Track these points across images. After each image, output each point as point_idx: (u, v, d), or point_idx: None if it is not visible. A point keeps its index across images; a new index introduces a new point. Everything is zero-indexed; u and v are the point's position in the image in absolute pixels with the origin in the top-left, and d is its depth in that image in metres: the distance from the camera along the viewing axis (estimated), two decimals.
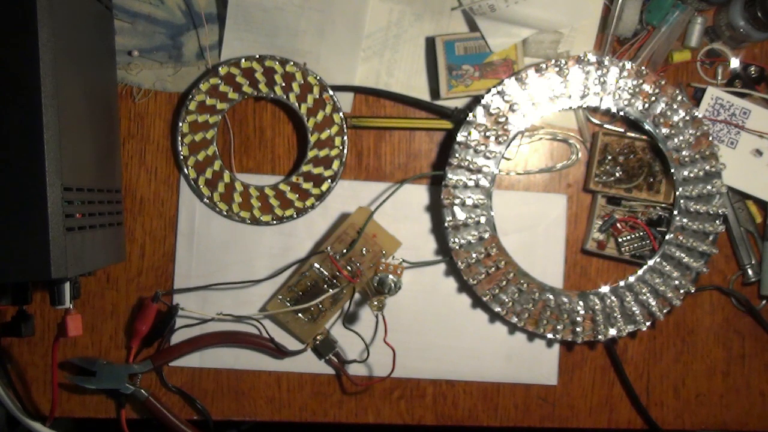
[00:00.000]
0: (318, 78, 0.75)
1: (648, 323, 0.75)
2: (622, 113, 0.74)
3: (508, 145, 0.74)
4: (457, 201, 0.74)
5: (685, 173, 0.74)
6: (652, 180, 0.77)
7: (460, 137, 0.74)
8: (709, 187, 0.74)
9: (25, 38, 0.55)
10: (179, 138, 0.76)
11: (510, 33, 0.74)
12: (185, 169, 0.76)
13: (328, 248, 0.75)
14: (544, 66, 0.73)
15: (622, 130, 0.77)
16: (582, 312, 0.75)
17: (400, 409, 0.79)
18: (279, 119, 0.78)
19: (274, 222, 0.77)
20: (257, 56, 0.75)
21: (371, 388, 0.79)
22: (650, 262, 0.75)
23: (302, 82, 0.75)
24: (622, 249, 0.77)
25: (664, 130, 0.74)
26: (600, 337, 0.75)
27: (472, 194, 0.74)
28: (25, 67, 0.55)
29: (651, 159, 0.77)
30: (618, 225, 0.77)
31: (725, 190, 0.74)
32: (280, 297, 0.76)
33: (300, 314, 0.76)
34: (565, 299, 0.76)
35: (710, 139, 0.74)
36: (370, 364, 0.78)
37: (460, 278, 0.77)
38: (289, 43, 0.76)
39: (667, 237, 0.75)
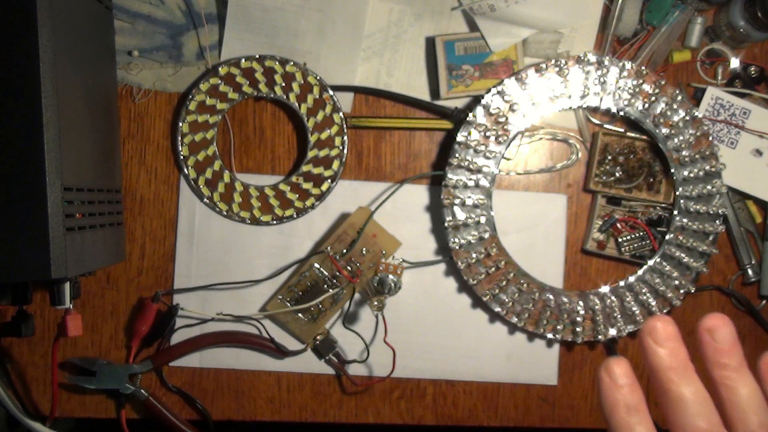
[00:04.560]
0: (318, 78, 0.75)
1: None
2: (622, 113, 0.74)
3: (508, 145, 0.74)
4: (457, 201, 0.74)
5: (685, 173, 0.74)
6: (652, 180, 0.77)
7: (460, 137, 0.74)
8: (709, 187, 0.74)
9: (25, 38, 0.55)
10: (179, 138, 0.76)
11: (510, 33, 0.74)
12: (185, 169, 0.76)
13: (328, 248, 0.75)
14: (544, 66, 0.73)
15: (622, 130, 0.77)
16: (582, 312, 0.75)
17: (400, 409, 0.79)
18: (279, 119, 0.78)
19: (274, 222, 0.77)
20: (257, 56, 0.75)
21: (371, 388, 0.79)
22: (650, 262, 0.75)
23: (302, 82, 0.75)
24: (622, 249, 0.77)
25: (664, 130, 0.74)
26: (600, 337, 0.75)
27: (472, 194, 0.74)
28: (25, 67, 0.55)
29: (651, 159, 0.77)
30: (618, 225, 0.77)
31: (725, 190, 0.74)
32: (280, 297, 0.76)
33: (300, 314, 0.76)
34: (565, 299, 0.76)
35: (710, 139, 0.74)
36: (370, 364, 0.78)
37: (460, 278, 0.77)
38: (289, 43, 0.76)
39: (667, 237, 0.75)
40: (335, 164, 0.76)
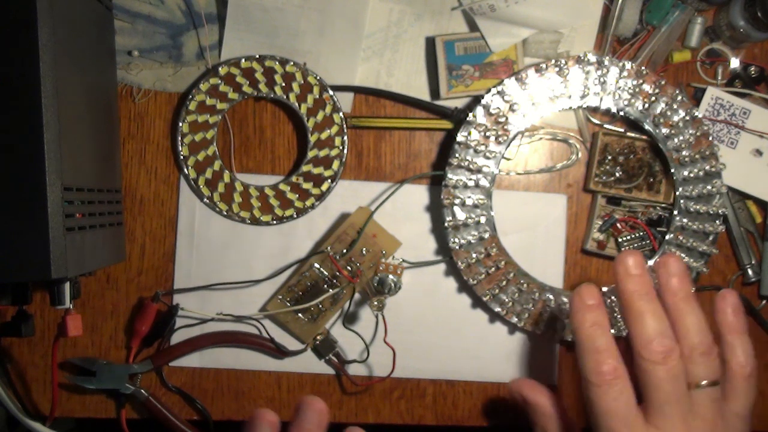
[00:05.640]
0: (318, 78, 0.75)
1: None
2: (622, 113, 0.74)
3: (508, 145, 0.74)
4: (457, 201, 0.74)
5: (685, 173, 0.74)
6: (652, 180, 0.77)
7: (460, 137, 0.74)
8: (709, 187, 0.74)
9: (25, 38, 0.55)
10: (179, 138, 0.76)
11: (510, 33, 0.74)
12: (185, 169, 0.76)
13: (328, 248, 0.75)
14: (544, 66, 0.73)
15: (622, 130, 0.77)
16: None
17: (400, 409, 0.79)
18: (279, 119, 0.78)
19: (274, 222, 0.77)
20: (257, 56, 0.75)
21: (371, 388, 0.79)
22: (650, 262, 0.75)
23: (302, 82, 0.75)
24: (622, 249, 0.77)
25: (664, 130, 0.74)
26: None
27: (472, 194, 0.74)
28: (25, 67, 0.55)
29: (651, 159, 0.77)
30: (618, 225, 0.77)
31: (725, 190, 0.74)
32: (280, 297, 0.76)
33: (300, 314, 0.76)
34: (565, 299, 0.76)
35: (710, 139, 0.74)
36: (370, 364, 0.78)
37: (460, 278, 0.77)
38: (289, 43, 0.76)
39: (667, 237, 0.75)
40: (335, 164, 0.76)
